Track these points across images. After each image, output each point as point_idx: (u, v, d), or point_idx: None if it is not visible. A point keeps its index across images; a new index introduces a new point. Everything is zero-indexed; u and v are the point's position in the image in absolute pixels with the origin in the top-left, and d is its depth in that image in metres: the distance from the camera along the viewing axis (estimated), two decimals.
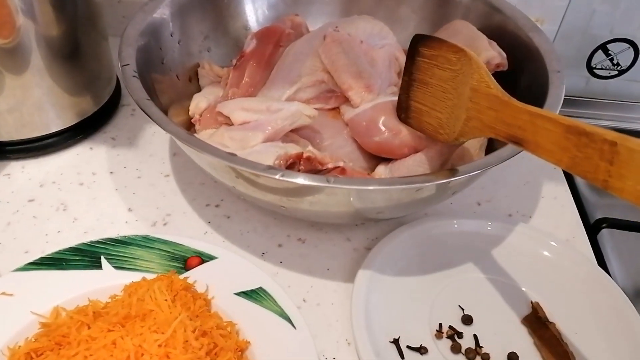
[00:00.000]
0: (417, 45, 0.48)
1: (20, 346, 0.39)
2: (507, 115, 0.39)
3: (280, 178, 0.41)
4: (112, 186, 0.58)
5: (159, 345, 0.36)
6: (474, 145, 0.52)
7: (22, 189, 0.57)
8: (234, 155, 0.43)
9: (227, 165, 0.45)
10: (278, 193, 0.47)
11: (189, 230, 0.54)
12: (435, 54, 0.46)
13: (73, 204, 0.56)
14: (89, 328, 0.38)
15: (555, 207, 0.60)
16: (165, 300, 0.40)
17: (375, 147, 0.51)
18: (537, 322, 0.47)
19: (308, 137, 0.53)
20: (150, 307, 0.39)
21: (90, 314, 0.40)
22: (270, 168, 0.42)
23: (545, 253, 0.52)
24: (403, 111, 0.50)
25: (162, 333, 0.36)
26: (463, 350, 0.46)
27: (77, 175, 0.59)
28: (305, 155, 0.47)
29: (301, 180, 0.41)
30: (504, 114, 0.39)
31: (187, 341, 0.37)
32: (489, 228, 0.54)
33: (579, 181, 0.72)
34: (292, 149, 0.48)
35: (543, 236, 0.53)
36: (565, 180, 0.63)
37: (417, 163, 0.50)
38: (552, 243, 0.53)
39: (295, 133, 0.52)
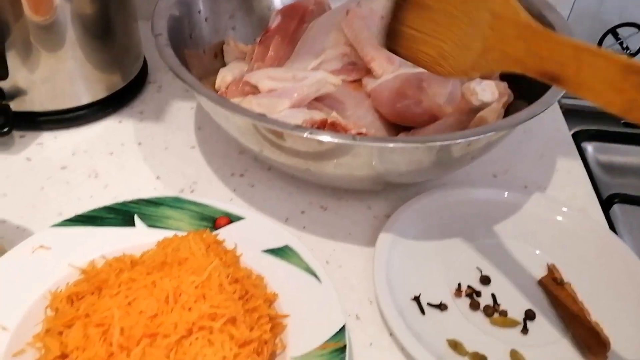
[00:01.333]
0: None
1: (61, 290, 0.41)
2: (543, 48, 0.35)
3: (308, 135, 0.43)
4: (140, 156, 0.60)
5: (196, 287, 0.38)
6: (491, 115, 0.53)
7: (54, 156, 0.59)
8: (263, 115, 0.45)
9: (255, 128, 0.47)
10: (304, 156, 0.49)
11: (215, 197, 0.56)
12: None
13: (103, 171, 0.58)
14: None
15: (569, 180, 0.61)
16: (200, 249, 0.42)
17: (396, 116, 0.53)
18: (552, 283, 0.49)
19: (331, 107, 0.55)
20: (185, 255, 0.41)
21: (127, 263, 0.42)
22: (298, 127, 0.44)
23: (560, 219, 0.54)
24: (391, 38, 0.45)
25: (199, 276, 0.38)
26: (481, 308, 0.48)
27: (107, 145, 0.61)
28: (330, 120, 0.49)
29: (327, 137, 0.43)
30: (538, 46, 0.35)
31: (221, 284, 0.39)
32: (505, 196, 0.56)
33: (591, 159, 0.73)
34: (318, 115, 0.50)
35: (558, 204, 0.55)
36: (578, 155, 0.65)
37: (436, 131, 0.52)
38: (566, 210, 0.54)
39: (319, 102, 0.54)
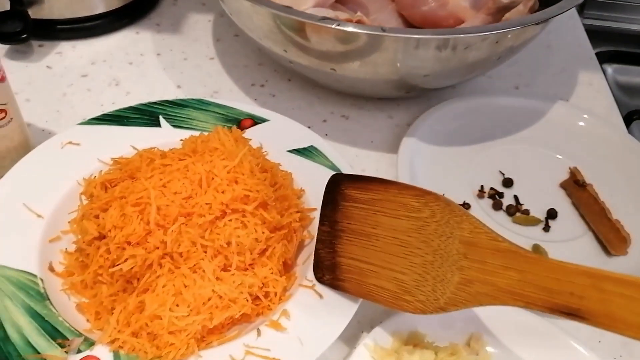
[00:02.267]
0: (341, 188, 0.38)
1: (95, 177, 0.42)
2: (545, 278, 0.30)
3: (337, 27, 0.43)
4: (160, 66, 0.60)
5: (228, 171, 0.39)
6: (521, 10, 0.52)
7: (74, 65, 0.59)
8: (289, 7, 0.44)
9: (279, 27, 0.47)
10: (328, 57, 0.48)
11: None
12: (376, 198, 0.36)
13: (124, 80, 0.58)
14: None
15: (591, 92, 0.61)
16: (229, 140, 0.42)
17: (420, 19, 0.52)
18: (574, 185, 0.50)
19: (354, 10, 0.54)
20: (215, 145, 0.41)
21: (157, 154, 0.42)
22: (326, 18, 0.43)
23: (582, 124, 0.54)
24: (326, 271, 0.38)
25: (230, 161, 0.39)
26: (504, 207, 0.49)
27: (126, 55, 0.61)
28: (355, 19, 0.49)
29: (357, 29, 0.43)
30: (538, 276, 0.30)
31: (252, 170, 0.40)
32: (527, 105, 0.56)
33: (610, 80, 0.73)
34: (342, 15, 0.49)
35: (579, 111, 0.55)
36: (600, 69, 0.64)
37: None
38: (588, 117, 0.55)
39: (342, 5, 0.53)
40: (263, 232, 0.38)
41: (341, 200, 0.38)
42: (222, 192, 0.38)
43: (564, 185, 0.50)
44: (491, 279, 0.32)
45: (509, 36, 0.47)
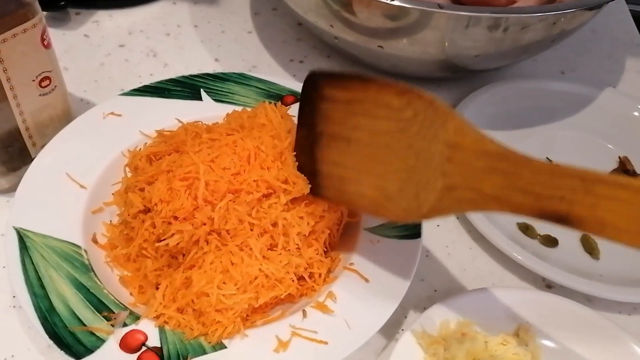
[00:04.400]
0: (319, 86, 0.34)
1: (140, 150, 0.41)
2: (533, 182, 0.27)
3: (390, 2, 0.41)
4: (197, 38, 0.59)
5: (275, 148, 0.38)
6: None
7: (111, 35, 0.58)
8: None
9: (326, 1, 0.45)
10: (375, 34, 0.47)
11: None
12: (356, 98, 0.32)
13: (162, 51, 0.57)
14: None
15: (639, 79, 0.59)
16: (276, 117, 0.41)
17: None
18: (624, 174, 0.48)
19: None
20: (262, 121, 0.40)
21: (202, 128, 0.41)
22: None
23: (636, 114, 0.52)
24: (307, 178, 0.36)
25: (280, 140, 0.38)
26: None
27: (163, 26, 0.59)
28: None
29: (409, 4, 0.41)
30: (525, 179, 0.28)
31: None
32: (575, 90, 0.54)
33: None
34: None
35: (630, 99, 0.53)
36: None
37: None
38: None
39: None
40: (308, 223, 0.37)
41: (318, 100, 0.34)
42: (269, 169, 0.37)
43: (613, 175, 0.49)
44: (476, 184, 0.29)
45: (565, 18, 0.45)
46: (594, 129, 0.52)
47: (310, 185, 0.36)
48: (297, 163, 0.37)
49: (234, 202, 0.36)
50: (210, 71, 0.49)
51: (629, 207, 0.25)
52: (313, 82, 0.35)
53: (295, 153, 0.37)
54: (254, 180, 0.37)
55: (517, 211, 0.28)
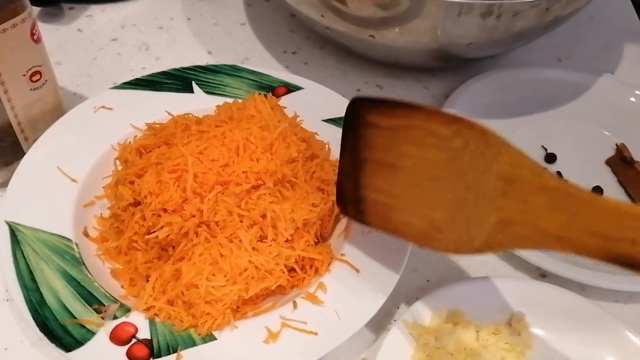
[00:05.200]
0: (362, 113, 0.33)
1: (130, 142, 0.41)
2: (599, 222, 0.25)
3: None
4: (189, 31, 0.58)
5: (264, 140, 0.37)
6: None
7: (104, 29, 0.58)
8: None
9: None
10: (366, 23, 0.47)
11: None
12: (401, 125, 0.31)
13: (154, 45, 0.57)
14: None
15: (638, 66, 0.58)
16: (266, 108, 0.41)
17: None
18: (621, 162, 0.48)
19: None
20: (251, 112, 0.40)
21: (192, 121, 0.41)
22: None
23: (632, 99, 0.52)
24: (350, 204, 0.36)
25: (268, 131, 0.38)
26: None
27: (155, 19, 0.59)
28: None
29: None
30: (591, 219, 0.26)
31: (290, 143, 0.38)
32: (571, 78, 0.54)
33: None
34: None
35: (628, 86, 0.53)
36: None
37: None
38: (638, 92, 0.52)
39: None
40: (296, 217, 0.37)
41: (362, 127, 0.33)
42: (258, 161, 0.37)
43: (609, 162, 0.48)
44: (534, 221, 0.27)
45: (559, 4, 0.44)
46: (590, 117, 0.52)
47: (354, 212, 0.35)
48: (343, 189, 0.36)
49: (222, 193, 0.36)
50: (202, 64, 0.49)
51: None
52: (356, 108, 0.33)
53: (338, 179, 0.36)
54: (243, 172, 0.37)
55: (583, 253, 0.26)
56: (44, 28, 0.57)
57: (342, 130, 0.35)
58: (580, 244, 0.26)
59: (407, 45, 0.47)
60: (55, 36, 0.57)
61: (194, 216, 0.36)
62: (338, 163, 0.36)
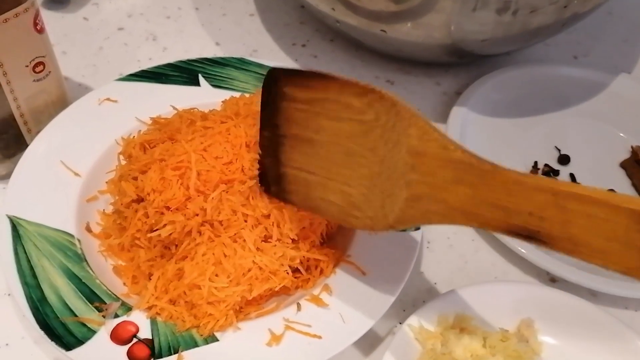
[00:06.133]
0: (279, 85, 0.32)
1: (134, 137, 0.41)
2: (502, 195, 0.25)
3: None
4: (198, 21, 0.57)
5: None
6: None
7: (111, 17, 0.57)
8: None
9: None
10: (378, 17, 0.45)
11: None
12: (317, 98, 0.31)
13: (162, 35, 0.56)
14: None
15: None
16: None
17: None
18: (636, 165, 0.46)
19: None
20: (258, 108, 0.39)
21: (198, 115, 0.40)
22: None
23: None
24: (272, 182, 0.35)
25: None
26: None
27: (164, 9, 0.58)
28: None
29: None
30: (493, 192, 0.25)
31: None
32: (587, 76, 0.52)
33: None
34: None
35: None
36: None
37: None
38: None
39: None
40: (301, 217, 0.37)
41: (280, 100, 0.32)
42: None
43: (624, 165, 0.47)
44: (441, 195, 0.27)
45: (578, 1, 0.43)
46: (606, 117, 0.50)
47: (277, 191, 0.35)
48: (264, 167, 0.35)
49: (227, 192, 0.35)
50: (209, 56, 0.48)
51: (604, 225, 0.23)
52: (273, 80, 0.33)
53: (260, 155, 0.35)
54: (248, 169, 0.36)
55: (485, 226, 0.26)
56: (48, 16, 0.56)
57: (260, 104, 0.34)
58: (483, 217, 0.26)
59: (420, 41, 0.46)
60: (61, 24, 0.56)
61: (197, 215, 0.35)
62: (258, 140, 0.35)
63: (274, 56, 0.55)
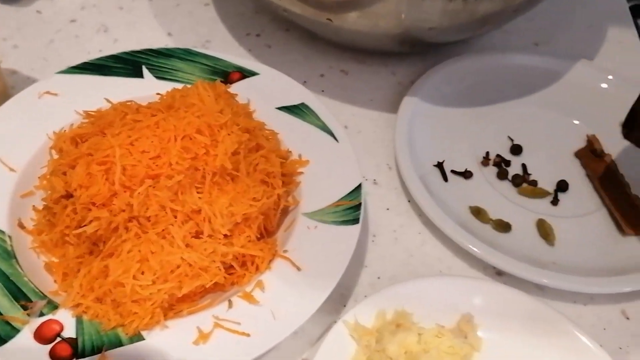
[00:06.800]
0: None
1: (65, 131, 0.40)
2: None
3: None
4: (151, 12, 0.56)
5: (200, 130, 0.36)
6: None
7: (63, 10, 0.56)
8: None
9: None
10: (324, 7, 0.44)
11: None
12: None
13: (113, 26, 0.55)
14: None
15: (620, 50, 0.55)
16: (208, 96, 0.39)
17: None
18: (591, 154, 0.45)
19: None
20: (193, 101, 0.38)
21: (133, 108, 0.39)
22: None
23: (605, 86, 0.49)
24: (637, 127, 0.39)
25: (207, 120, 0.36)
26: (509, 177, 0.45)
27: (117, 0, 0.57)
28: None
29: None
30: None
31: (231, 134, 0.36)
32: (545, 63, 0.51)
33: None
34: None
35: (603, 72, 0.50)
36: (633, 24, 0.58)
37: None
38: (612, 78, 0.49)
39: None
40: (240, 202, 0.36)
41: None
42: (193, 153, 0.35)
43: (579, 155, 0.46)
44: None
45: None
46: (562, 106, 0.49)
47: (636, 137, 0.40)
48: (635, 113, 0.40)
49: (154, 187, 0.35)
50: (155, 47, 0.47)
51: None
52: None
53: (633, 105, 0.40)
54: (176, 163, 0.35)
55: None
56: (3, 10, 0.55)
57: None
58: None
59: (367, 30, 0.45)
60: (14, 18, 0.55)
61: (123, 211, 0.34)
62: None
63: (227, 46, 0.54)
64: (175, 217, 0.35)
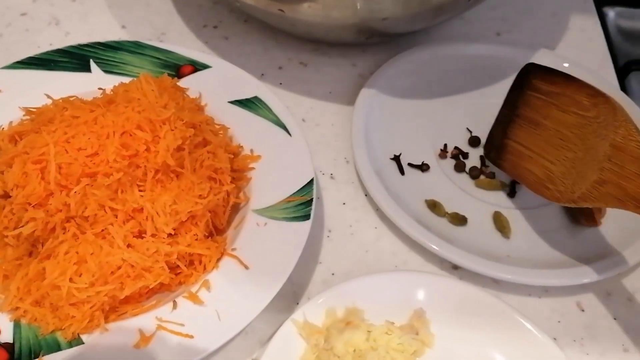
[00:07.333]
0: (530, 77, 0.41)
1: (4, 129, 0.38)
2: None
3: None
4: (104, 3, 0.55)
5: (140, 128, 0.34)
6: None
7: (14, 3, 0.54)
8: None
9: None
10: None
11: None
12: (556, 92, 0.39)
13: (65, 19, 0.53)
14: None
15: (583, 39, 0.55)
16: (152, 90, 0.37)
17: None
18: None
19: None
20: (135, 95, 0.37)
21: (75, 104, 0.38)
22: None
23: None
24: (493, 149, 0.43)
25: (147, 116, 0.35)
26: (467, 169, 0.44)
27: None
28: None
29: None
30: None
31: (174, 129, 0.35)
32: (506, 53, 0.50)
33: (611, 25, 0.66)
34: None
35: (566, 62, 0.49)
36: (596, 13, 0.57)
37: None
38: (568, 65, 0.49)
39: None
40: (184, 199, 0.35)
41: (526, 88, 0.41)
42: (132, 149, 0.34)
43: None
44: (623, 184, 0.33)
45: None
46: None
47: (494, 156, 0.43)
48: (492, 135, 0.44)
49: (91, 186, 0.33)
50: (102, 40, 0.46)
51: None
52: (526, 71, 0.41)
53: (492, 127, 0.44)
54: (114, 161, 0.34)
55: None
56: None
57: (511, 86, 0.42)
58: None
59: (321, 21, 0.44)
60: None
61: (60, 211, 0.33)
62: (497, 115, 0.43)
63: (183, 39, 0.52)
64: (116, 216, 0.34)
